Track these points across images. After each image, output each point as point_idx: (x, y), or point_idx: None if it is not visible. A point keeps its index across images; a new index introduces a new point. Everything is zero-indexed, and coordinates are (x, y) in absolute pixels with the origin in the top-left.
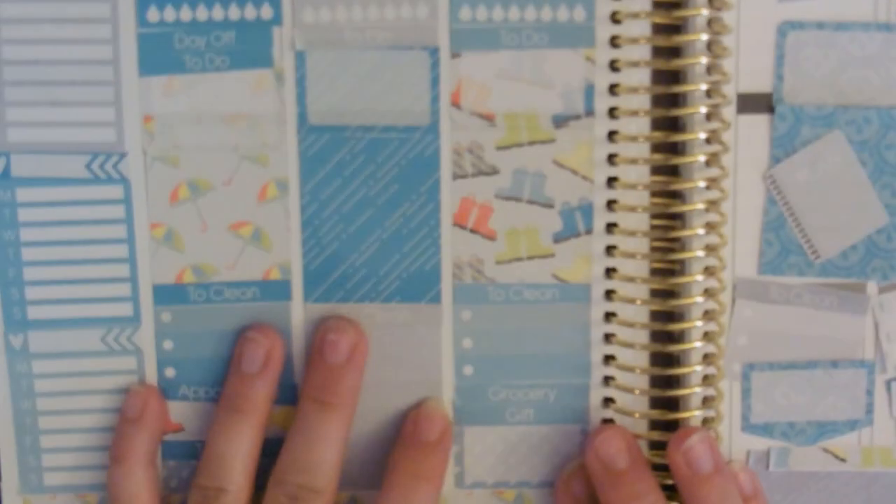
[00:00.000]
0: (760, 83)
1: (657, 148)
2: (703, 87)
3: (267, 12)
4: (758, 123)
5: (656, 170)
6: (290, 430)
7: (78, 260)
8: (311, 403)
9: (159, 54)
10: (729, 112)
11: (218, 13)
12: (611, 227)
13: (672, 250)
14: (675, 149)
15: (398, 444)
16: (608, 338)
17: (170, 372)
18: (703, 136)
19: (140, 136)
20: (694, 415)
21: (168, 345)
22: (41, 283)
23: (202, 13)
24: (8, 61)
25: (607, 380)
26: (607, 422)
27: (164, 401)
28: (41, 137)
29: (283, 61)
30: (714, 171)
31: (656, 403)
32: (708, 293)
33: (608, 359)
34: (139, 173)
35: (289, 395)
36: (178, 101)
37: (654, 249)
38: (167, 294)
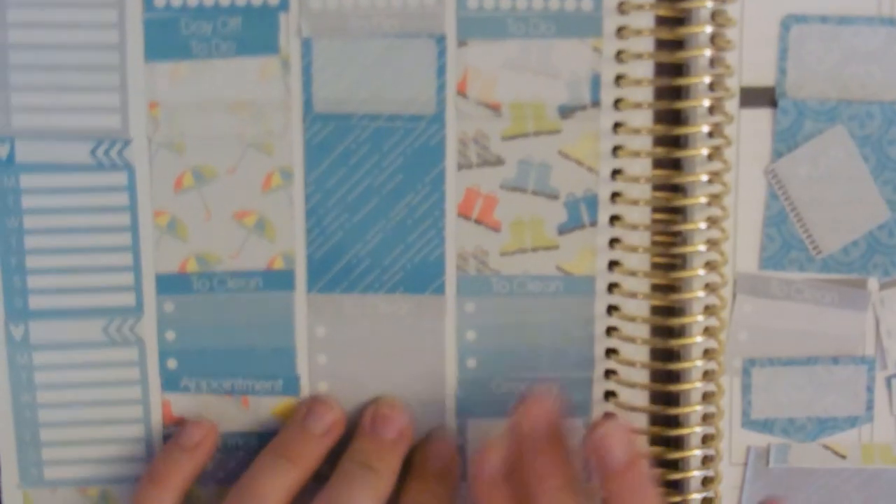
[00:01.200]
0: (763, 77)
1: (660, 141)
2: (707, 79)
3: None
4: (760, 117)
5: (659, 163)
6: (328, 486)
7: (81, 248)
8: (356, 466)
9: (165, 40)
10: (732, 106)
11: None
12: (615, 219)
13: (674, 244)
14: (678, 142)
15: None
16: (610, 331)
17: (172, 363)
18: (705, 129)
19: (145, 122)
20: (694, 409)
21: (170, 335)
22: (43, 271)
23: None
24: (13, 45)
25: (609, 373)
26: (609, 415)
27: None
28: (46, 123)
29: (289, 48)
30: (716, 165)
31: (657, 398)
32: (709, 288)
33: (610, 352)
34: (144, 160)
35: (293, 387)
36: (183, 87)
37: (655, 244)
38: (170, 283)
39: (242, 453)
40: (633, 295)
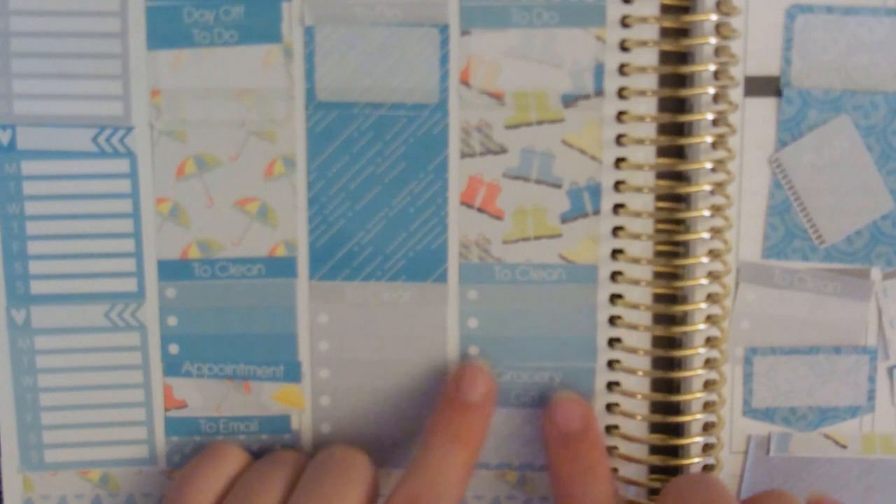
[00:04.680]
0: (768, 66)
1: (664, 129)
2: (711, 68)
3: None
4: (765, 106)
5: (662, 151)
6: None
7: (82, 234)
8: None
9: (168, 28)
10: (736, 94)
11: None
12: (618, 207)
13: (677, 232)
14: (682, 130)
15: (438, 403)
16: (613, 319)
17: (174, 348)
18: (709, 117)
19: (147, 109)
20: (696, 397)
21: (172, 321)
22: (45, 257)
23: None
24: (15, 33)
25: (612, 363)
26: (612, 406)
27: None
28: (48, 110)
29: (291, 36)
30: (720, 154)
31: (658, 385)
32: (712, 276)
33: (612, 340)
34: (146, 147)
35: (294, 373)
36: (185, 75)
37: (658, 231)
38: (172, 269)
39: (244, 437)
40: (635, 282)
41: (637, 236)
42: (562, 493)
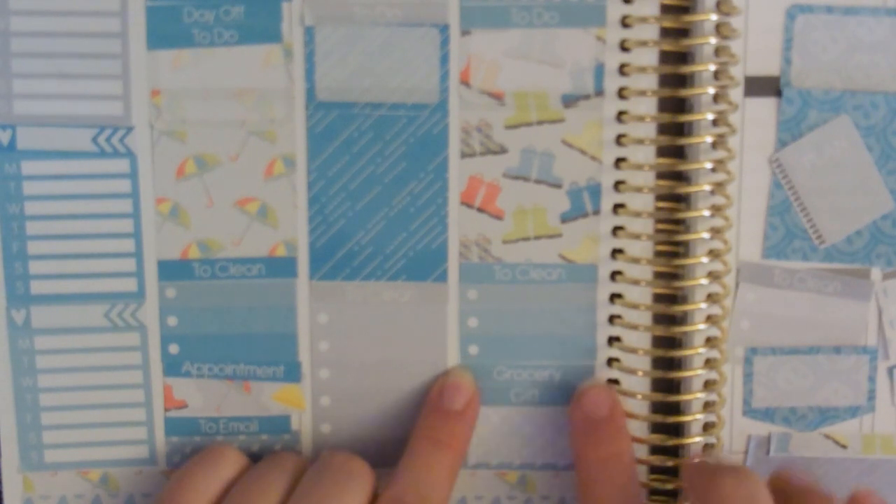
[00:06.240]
0: (768, 66)
1: (664, 129)
2: (711, 68)
3: None
4: (765, 106)
5: (662, 151)
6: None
7: (82, 234)
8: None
9: (168, 28)
10: (736, 94)
11: None
12: (618, 207)
13: (677, 232)
14: (682, 130)
15: (423, 410)
16: (613, 319)
17: (174, 348)
18: (709, 117)
19: (147, 110)
20: (696, 397)
21: (172, 321)
22: (45, 257)
23: None
24: (15, 33)
25: (611, 361)
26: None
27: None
28: (48, 110)
29: (291, 36)
30: (720, 154)
31: (659, 386)
32: (712, 276)
33: (612, 340)
34: (146, 147)
35: (294, 373)
36: (186, 75)
37: (658, 231)
38: (172, 269)
39: (244, 437)
40: (635, 282)
41: (637, 236)
42: (585, 479)
